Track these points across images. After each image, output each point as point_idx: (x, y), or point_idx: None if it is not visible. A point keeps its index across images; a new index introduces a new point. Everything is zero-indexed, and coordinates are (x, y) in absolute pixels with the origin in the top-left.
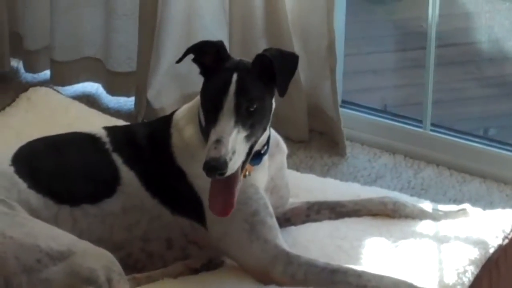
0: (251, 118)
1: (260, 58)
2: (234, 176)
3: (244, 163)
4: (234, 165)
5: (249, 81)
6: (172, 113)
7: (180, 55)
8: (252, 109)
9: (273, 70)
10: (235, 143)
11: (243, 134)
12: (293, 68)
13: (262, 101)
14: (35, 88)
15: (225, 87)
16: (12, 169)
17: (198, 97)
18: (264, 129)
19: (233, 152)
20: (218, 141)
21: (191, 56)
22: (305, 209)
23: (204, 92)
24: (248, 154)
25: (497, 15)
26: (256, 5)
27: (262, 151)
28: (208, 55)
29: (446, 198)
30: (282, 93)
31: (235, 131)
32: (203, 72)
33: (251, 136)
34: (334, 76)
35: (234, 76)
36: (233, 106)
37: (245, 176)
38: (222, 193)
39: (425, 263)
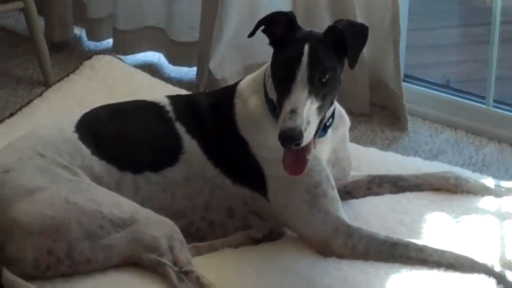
0: (324, 89)
1: (332, 30)
2: (306, 147)
3: (315, 134)
4: (309, 135)
5: (321, 52)
6: (236, 83)
7: (243, 25)
8: (324, 80)
9: (344, 41)
10: (309, 113)
11: (315, 105)
12: (364, 39)
13: (333, 72)
14: (98, 56)
15: (298, 58)
16: (76, 135)
17: (262, 68)
18: (333, 101)
19: (308, 123)
20: (293, 112)
21: (252, 26)
22: (367, 182)
23: (276, 62)
24: (319, 125)
25: None
26: None
27: (328, 123)
28: (278, 26)
29: (508, 175)
30: (352, 65)
31: (308, 102)
32: (272, 43)
33: (323, 107)
34: (398, 49)
35: (306, 47)
36: (306, 76)
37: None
38: (295, 162)
39: (486, 239)
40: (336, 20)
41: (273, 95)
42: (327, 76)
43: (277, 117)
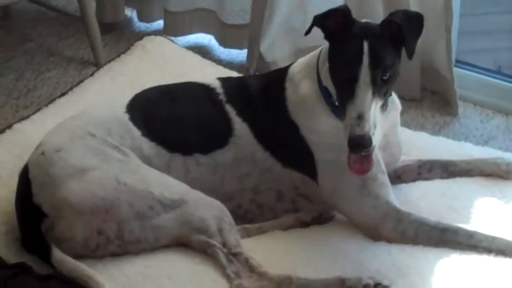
0: (385, 86)
1: (388, 23)
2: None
3: None
4: (376, 138)
5: (381, 49)
6: (287, 67)
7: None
8: (385, 78)
9: (401, 33)
10: (375, 116)
11: (379, 104)
12: (420, 29)
13: (394, 67)
14: (149, 37)
15: (359, 58)
16: (126, 116)
17: (315, 53)
18: (391, 93)
19: (375, 126)
20: (360, 117)
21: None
22: (417, 167)
23: (334, 60)
24: None
25: None
26: None
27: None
28: (332, 20)
29: None
30: (411, 56)
31: (373, 104)
32: (328, 37)
33: (385, 104)
34: (450, 35)
35: (365, 45)
36: (369, 78)
37: None
38: (360, 162)
39: None
40: (391, 13)
41: (328, 84)
42: (388, 74)
43: (331, 105)
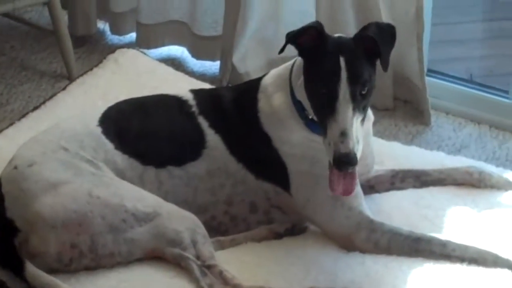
0: (364, 100)
1: (362, 37)
2: None
3: None
4: (359, 153)
5: (357, 64)
6: (260, 78)
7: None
8: (364, 92)
9: (376, 47)
10: (357, 132)
11: (359, 118)
12: (393, 40)
13: (371, 81)
14: (122, 49)
15: (337, 74)
16: (99, 129)
17: (287, 65)
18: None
19: (358, 142)
20: (344, 134)
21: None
22: (390, 177)
23: (311, 77)
24: None
25: None
26: None
27: None
28: (306, 37)
29: None
30: (386, 68)
31: (354, 119)
32: (302, 54)
33: (364, 117)
34: (421, 43)
35: (342, 61)
36: (348, 94)
37: None
38: (343, 181)
39: (510, 234)
40: (364, 26)
41: (301, 97)
42: (367, 88)
43: (304, 119)
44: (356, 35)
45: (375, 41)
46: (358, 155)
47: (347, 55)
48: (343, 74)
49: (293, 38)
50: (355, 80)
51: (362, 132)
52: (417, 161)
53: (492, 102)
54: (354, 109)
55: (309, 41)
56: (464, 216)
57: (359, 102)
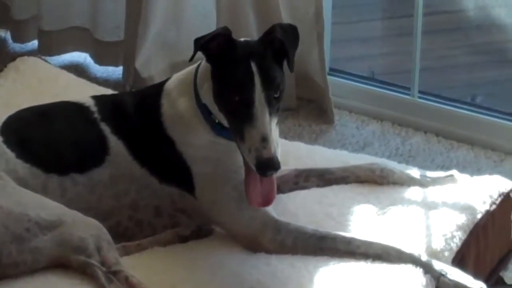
0: (278, 103)
1: (269, 40)
2: None
3: None
4: (279, 155)
5: (269, 68)
6: (163, 83)
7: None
8: (277, 96)
9: (284, 49)
10: (275, 135)
11: (275, 121)
12: (297, 40)
13: (283, 83)
14: (23, 57)
15: (250, 80)
16: (0, 139)
17: (190, 69)
18: None
19: (277, 145)
20: (265, 140)
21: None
22: (294, 177)
23: (222, 84)
24: None
25: None
26: None
27: None
28: (214, 43)
29: (434, 165)
30: (292, 69)
31: (272, 123)
32: (210, 60)
33: (277, 119)
34: (322, 43)
35: (253, 66)
36: (264, 99)
37: None
38: (260, 192)
39: (413, 229)
40: (269, 28)
41: (207, 101)
42: (279, 90)
43: (210, 122)
44: (262, 38)
45: (283, 43)
46: (279, 158)
47: (257, 60)
48: (257, 79)
49: (201, 46)
50: (269, 84)
51: (277, 134)
52: (321, 160)
53: (394, 99)
54: (270, 113)
55: (218, 47)
56: (368, 213)
57: (274, 106)
